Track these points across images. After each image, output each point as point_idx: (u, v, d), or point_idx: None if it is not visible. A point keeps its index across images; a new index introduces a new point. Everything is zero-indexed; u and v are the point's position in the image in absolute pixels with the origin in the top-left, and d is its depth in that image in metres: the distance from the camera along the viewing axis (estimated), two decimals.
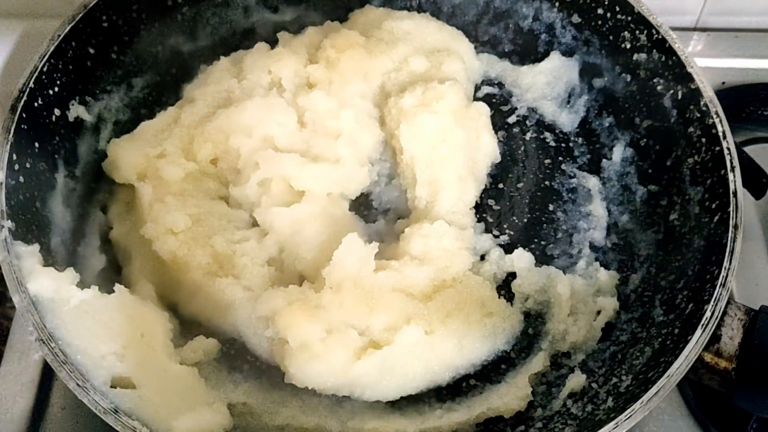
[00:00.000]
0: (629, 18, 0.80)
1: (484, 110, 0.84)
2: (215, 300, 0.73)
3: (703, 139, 0.73)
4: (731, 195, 0.68)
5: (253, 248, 0.75)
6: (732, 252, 0.65)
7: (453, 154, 0.80)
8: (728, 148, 0.70)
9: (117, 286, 0.68)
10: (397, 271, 0.73)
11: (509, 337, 0.75)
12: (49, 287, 0.63)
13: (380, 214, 0.83)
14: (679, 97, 0.76)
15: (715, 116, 0.72)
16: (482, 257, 0.79)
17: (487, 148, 0.84)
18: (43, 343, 0.60)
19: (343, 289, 0.70)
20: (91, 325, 0.64)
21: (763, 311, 0.66)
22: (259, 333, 0.72)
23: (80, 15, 0.76)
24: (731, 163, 0.70)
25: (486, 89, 0.91)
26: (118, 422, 0.58)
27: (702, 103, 0.73)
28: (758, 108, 0.98)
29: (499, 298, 0.75)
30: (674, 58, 0.76)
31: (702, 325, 0.63)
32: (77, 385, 0.59)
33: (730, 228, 0.67)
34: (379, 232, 0.81)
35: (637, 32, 0.80)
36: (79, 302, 0.64)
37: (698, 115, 0.74)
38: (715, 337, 0.64)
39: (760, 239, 0.88)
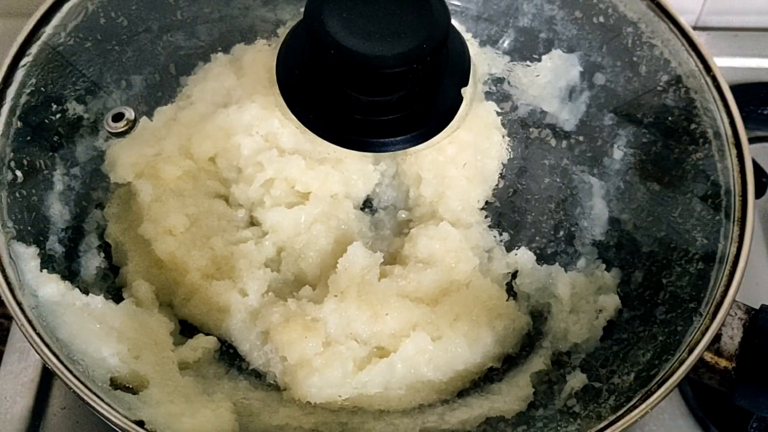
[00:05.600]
0: None
1: (491, 109, 0.83)
2: (210, 303, 0.72)
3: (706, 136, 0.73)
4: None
5: (251, 249, 0.74)
6: None
7: (459, 153, 0.79)
8: None
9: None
10: (402, 276, 0.72)
11: (517, 339, 0.74)
12: (48, 287, 0.63)
13: (383, 213, 0.82)
14: (681, 94, 0.76)
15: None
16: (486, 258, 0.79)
17: (496, 148, 0.83)
18: (43, 342, 0.59)
19: (347, 297, 0.70)
20: (91, 326, 0.64)
21: (764, 310, 0.66)
22: (251, 341, 0.71)
23: (80, 14, 0.75)
24: None
25: (486, 87, 0.91)
26: (119, 423, 0.57)
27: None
28: (758, 107, 0.98)
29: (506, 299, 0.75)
30: None
31: (704, 324, 0.63)
32: (77, 385, 0.58)
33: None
34: (382, 234, 0.81)
35: None
36: (80, 304, 0.64)
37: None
38: (716, 336, 0.64)
39: (760, 238, 0.88)
